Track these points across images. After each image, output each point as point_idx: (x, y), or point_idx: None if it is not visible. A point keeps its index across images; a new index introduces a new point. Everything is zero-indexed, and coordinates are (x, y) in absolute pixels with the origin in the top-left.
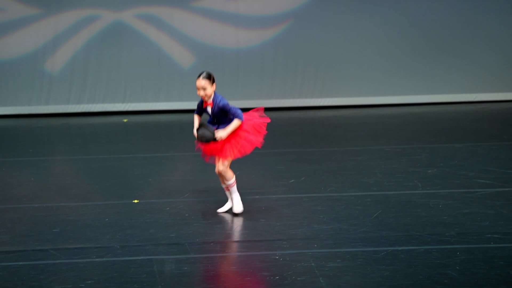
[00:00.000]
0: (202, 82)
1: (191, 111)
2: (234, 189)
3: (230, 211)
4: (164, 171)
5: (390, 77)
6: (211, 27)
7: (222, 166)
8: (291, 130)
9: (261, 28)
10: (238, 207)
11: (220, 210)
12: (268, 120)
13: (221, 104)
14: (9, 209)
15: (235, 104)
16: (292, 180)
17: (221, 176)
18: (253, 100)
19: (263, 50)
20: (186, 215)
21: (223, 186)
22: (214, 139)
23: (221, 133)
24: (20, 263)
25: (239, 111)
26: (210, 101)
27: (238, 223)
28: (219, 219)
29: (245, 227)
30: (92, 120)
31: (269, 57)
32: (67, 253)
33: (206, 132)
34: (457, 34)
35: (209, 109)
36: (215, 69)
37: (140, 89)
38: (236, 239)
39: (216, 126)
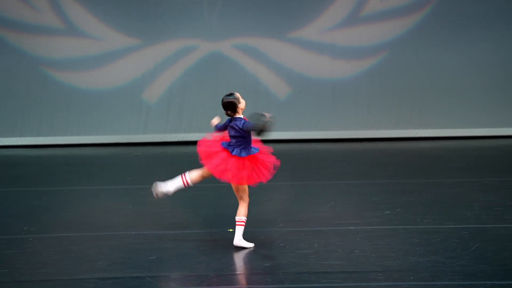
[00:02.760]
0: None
1: (285, 141)
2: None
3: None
4: (258, 200)
5: (488, 109)
6: (307, 57)
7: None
8: (386, 161)
9: (356, 59)
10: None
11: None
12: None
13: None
14: (107, 236)
15: (330, 134)
16: (388, 212)
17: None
18: (348, 130)
19: (359, 81)
20: (281, 244)
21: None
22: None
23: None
24: None
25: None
26: (241, 115)
27: (332, 254)
28: (314, 249)
29: (339, 258)
30: (189, 149)
31: (365, 87)
32: (163, 281)
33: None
34: None
35: (238, 122)
36: (310, 99)
37: None
38: (331, 270)
39: (235, 146)
